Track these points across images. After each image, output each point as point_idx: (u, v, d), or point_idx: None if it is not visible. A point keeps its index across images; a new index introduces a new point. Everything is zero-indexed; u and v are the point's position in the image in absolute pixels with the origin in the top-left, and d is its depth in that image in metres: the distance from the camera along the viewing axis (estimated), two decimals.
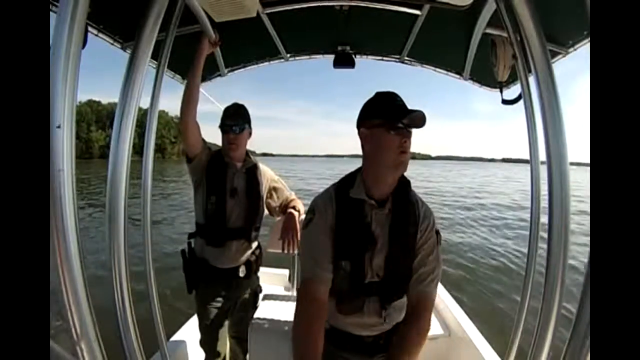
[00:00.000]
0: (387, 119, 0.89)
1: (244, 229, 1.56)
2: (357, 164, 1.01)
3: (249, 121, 1.57)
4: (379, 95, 0.96)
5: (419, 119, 0.88)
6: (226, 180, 1.53)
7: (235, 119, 1.53)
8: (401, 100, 0.93)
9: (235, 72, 1.96)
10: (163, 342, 1.01)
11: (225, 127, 1.52)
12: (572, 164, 0.78)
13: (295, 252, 1.79)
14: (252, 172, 1.60)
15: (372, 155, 0.94)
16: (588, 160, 0.54)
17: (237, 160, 1.56)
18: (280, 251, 1.70)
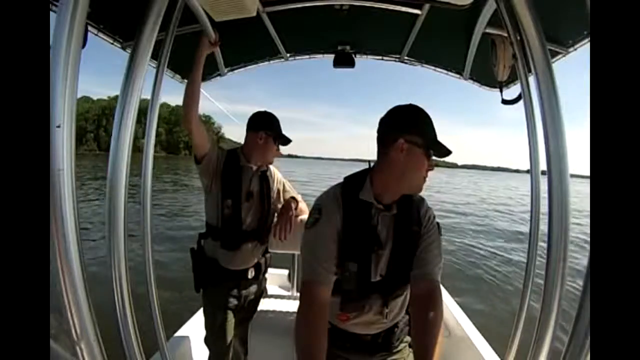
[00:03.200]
0: (431, 146, 0.94)
1: (258, 231, 1.58)
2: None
3: None
4: (422, 113, 0.96)
5: (447, 155, 0.96)
6: (242, 183, 1.54)
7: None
8: None
9: (235, 72, 1.96)
10: (163, 342, 1.01)
11: (282, 138, 1.58)
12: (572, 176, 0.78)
13: (295, 252, 1.79)
14: (265, 175, 1.62)
15: (400, 168, 0.93)
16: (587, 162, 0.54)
17: (253, 164, 1.57)
18: (280, 251, 1.70)
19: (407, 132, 0.92)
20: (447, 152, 0.95)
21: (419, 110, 0.96)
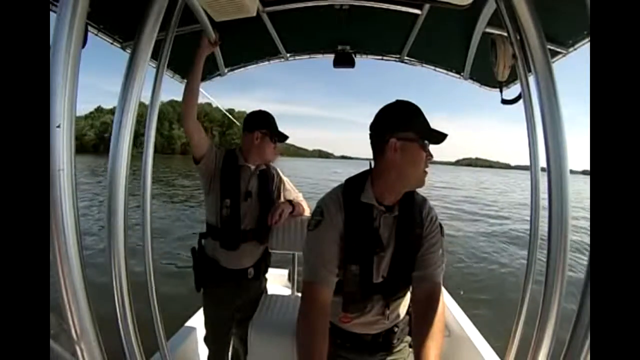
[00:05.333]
0: (423, 137, 0.92)
1: (257, 230, 1.57)
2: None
3: None
4: (408, 107, 0.95)
5: (442, 140, 0.93)
6: (240, 182, 1.54)
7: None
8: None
9: (235, 72, 1.96)
10: (163, 342, 1.01)
11: (279, 135, 1.58)
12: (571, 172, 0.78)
13: (295, 252, 1.79)
14: (264, 174, 1.62)
15: (398, 167, 0.92)
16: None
17: (252, 163, 1.57)
18: (281, 251, 1.70)
19: (397, 130, 0.92)
20: (442, 138, 0.93)
21: (406, 105, 0.95)
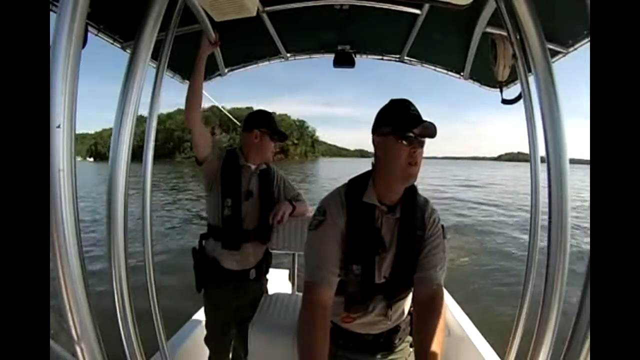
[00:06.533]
0: (397, 128, 0.91)
1: (258, 230, 1.57)
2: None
3: None
4: (393, 103, 0.96)
5: (429, 130, 0.90)
6: (241, 182, 1.54)
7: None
8: (415, 109, 0.93)
9: (235, 71, 1.96)
10: (163, 342, 1.01)
11: (278, 134, 1.58)
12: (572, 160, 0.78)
13: (296, 252, 1.79)
14: (265, 174, 1.62)
15: (383, 163, 0.94)
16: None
17: (252, 163, 1.57)
18: (281, 251, 1.70)
19: (377, 127, 0.94)
20: (427, 127, 0.89)
21: (392, 102, 0.97)
